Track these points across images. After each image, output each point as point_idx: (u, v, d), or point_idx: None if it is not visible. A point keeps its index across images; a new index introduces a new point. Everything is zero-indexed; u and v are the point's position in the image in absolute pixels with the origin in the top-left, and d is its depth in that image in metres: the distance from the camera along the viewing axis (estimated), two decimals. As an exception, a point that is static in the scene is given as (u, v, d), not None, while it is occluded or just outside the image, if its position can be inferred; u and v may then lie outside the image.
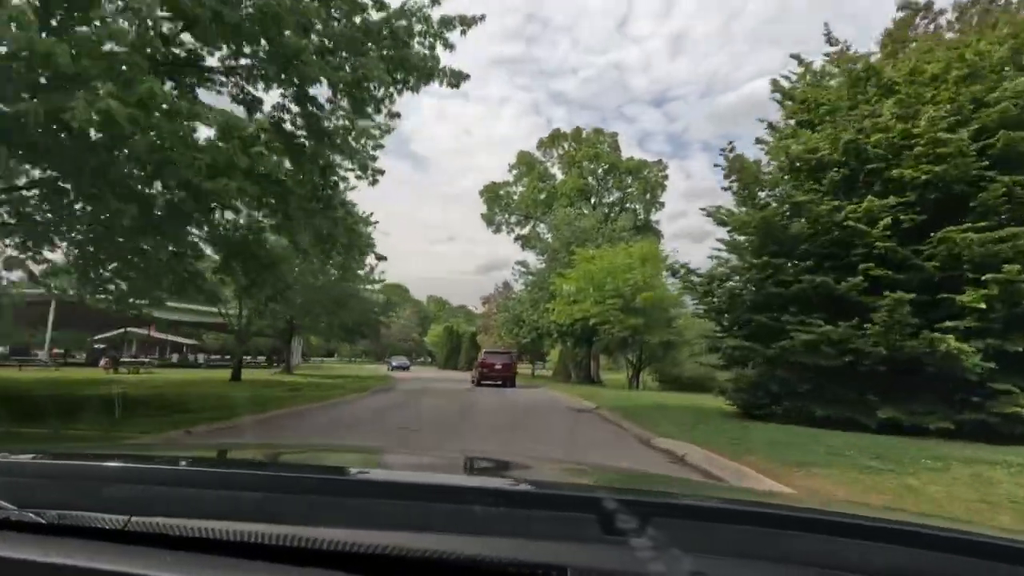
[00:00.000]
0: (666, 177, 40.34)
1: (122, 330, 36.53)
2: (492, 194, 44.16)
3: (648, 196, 38.88)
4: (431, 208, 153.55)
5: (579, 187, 38.70)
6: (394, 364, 44.18)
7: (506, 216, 44.49)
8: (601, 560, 0.68)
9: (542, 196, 41.59)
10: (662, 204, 39.86)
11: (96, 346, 35.23)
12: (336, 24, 7.99)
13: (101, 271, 10.95)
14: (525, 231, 43.42)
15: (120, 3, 6.19)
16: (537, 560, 0.66)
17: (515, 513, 0.79)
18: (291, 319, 29.06)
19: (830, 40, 12.80)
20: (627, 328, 25.68)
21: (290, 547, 0.68)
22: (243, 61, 8.23)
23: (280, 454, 1.63)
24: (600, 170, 40.40)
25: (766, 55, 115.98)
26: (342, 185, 10.63)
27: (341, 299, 26.82)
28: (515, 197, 43.91)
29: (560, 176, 41.58)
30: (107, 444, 2.41)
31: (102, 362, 26.30)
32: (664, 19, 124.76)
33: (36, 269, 11.50)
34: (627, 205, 38.36)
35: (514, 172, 43.23)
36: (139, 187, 7.93)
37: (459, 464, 1.58)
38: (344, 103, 8.73)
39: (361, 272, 31.14)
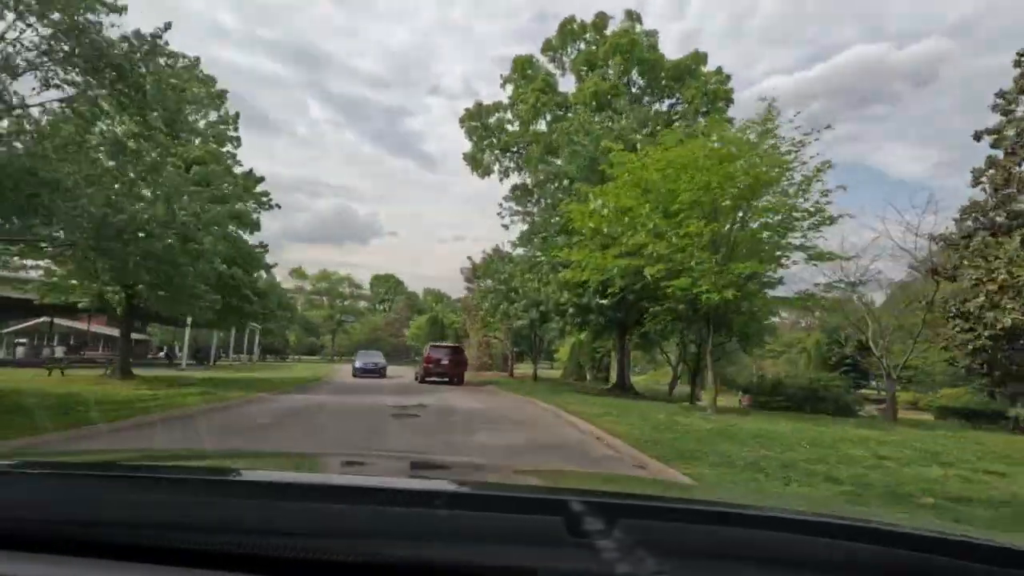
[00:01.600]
0: (730, 90, 27.22)
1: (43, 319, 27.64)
2: (476, 121, 31.05)
3: (706, 111, 25.64)
4: (439, 207, 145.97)
5: (605, 90, 25.37)
6: (360, 365, 27.79)
7: (496, 154, 31.32)
8: (569, 561, 0.68)
9: (546, 119, 28.37)
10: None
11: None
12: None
13: None
14: (524, 179, 30.27)
15: None
16: (507, 563, 0.67)
17: (484, 517, 0.78)
18: (131, 285, 16.50)
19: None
20: (726, 283, 12.72)
21: (253, 555, 0.67)
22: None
23: (239, 460, 1.59)
24: (634, 71, 27.15)
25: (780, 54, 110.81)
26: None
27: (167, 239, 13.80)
28: (509, 127, 30.80)
29: (576, 88, 28.34)
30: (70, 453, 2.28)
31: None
32: (675, 19, 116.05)
33: None
34: (676, 120, 25.08)
35: (509, 88, 30.02)
36: None
37: (426, 468, 1.56)
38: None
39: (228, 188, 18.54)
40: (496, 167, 31.69)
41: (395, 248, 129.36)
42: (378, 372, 26.95)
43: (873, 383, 39.74)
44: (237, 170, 20.68)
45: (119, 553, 0.71)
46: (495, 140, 30.99)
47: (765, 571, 0.69)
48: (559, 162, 23.70)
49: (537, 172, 24.80)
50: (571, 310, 18.61)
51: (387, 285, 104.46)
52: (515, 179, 31.45)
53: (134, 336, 49.89)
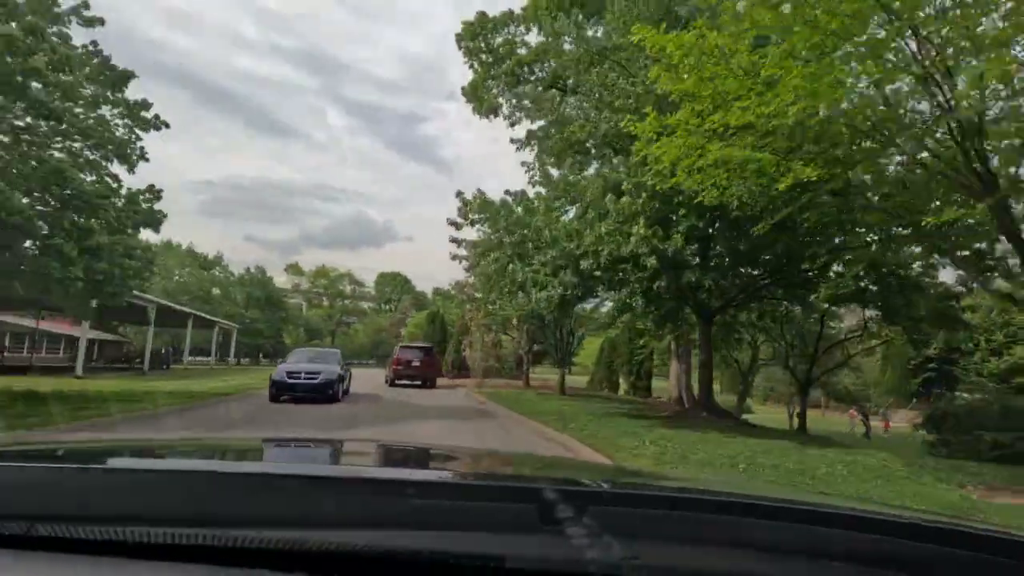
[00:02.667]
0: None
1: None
2: (479, 39, 22.84)
3: None
4: (454, 211, 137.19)
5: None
6: (281, 377, 14.05)
7: (503, 86, 22.97)
8: (538, 548, 0.68)
9: (571, 34, 19.81)
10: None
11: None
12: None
13: None
14: (539, 122, 21.87)
15: None
16: (474, 551, 0.67)
17: (451, 504, 0.78)
18: None
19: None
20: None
21: (220, 547, 0.66)
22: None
23: (192, 447, 1.59)
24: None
25: None
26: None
27: None
28: (520, 47, 22.50)
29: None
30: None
31: None
32: None
33: None
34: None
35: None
36: None
37: (392, 455, 1.56)
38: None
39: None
40: (504, 105, 23.33)
41: (409, 253, 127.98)
42: (323, 390, 13.80)
43: None
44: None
45: (96, 548, 0.68)
46: (502, 62, 22.58)
47: (733, 554, 0.70)
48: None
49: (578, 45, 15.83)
50: (636, 271, 9.90)
51: (393, 284, 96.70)
52: (528, 126, 23.04)
53: (101, 337, 42.51)
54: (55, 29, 11.52)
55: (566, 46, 18.01)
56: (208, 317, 40.89)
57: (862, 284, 11.44)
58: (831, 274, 11.57)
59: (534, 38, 22.24)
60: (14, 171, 10.69)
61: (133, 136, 13.53)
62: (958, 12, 6.24)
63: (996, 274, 10.09)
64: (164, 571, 0.66)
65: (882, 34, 6.52)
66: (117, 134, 13.08)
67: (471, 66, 23.39)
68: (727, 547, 0.71)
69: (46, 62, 10.35)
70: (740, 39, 7.02)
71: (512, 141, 22.51)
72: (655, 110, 8.03)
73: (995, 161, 7.05)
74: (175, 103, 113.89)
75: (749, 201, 8.18)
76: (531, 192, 17.31)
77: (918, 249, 10.69)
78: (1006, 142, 6.87)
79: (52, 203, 11.35)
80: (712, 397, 17.89)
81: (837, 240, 9.72)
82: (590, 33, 16.93)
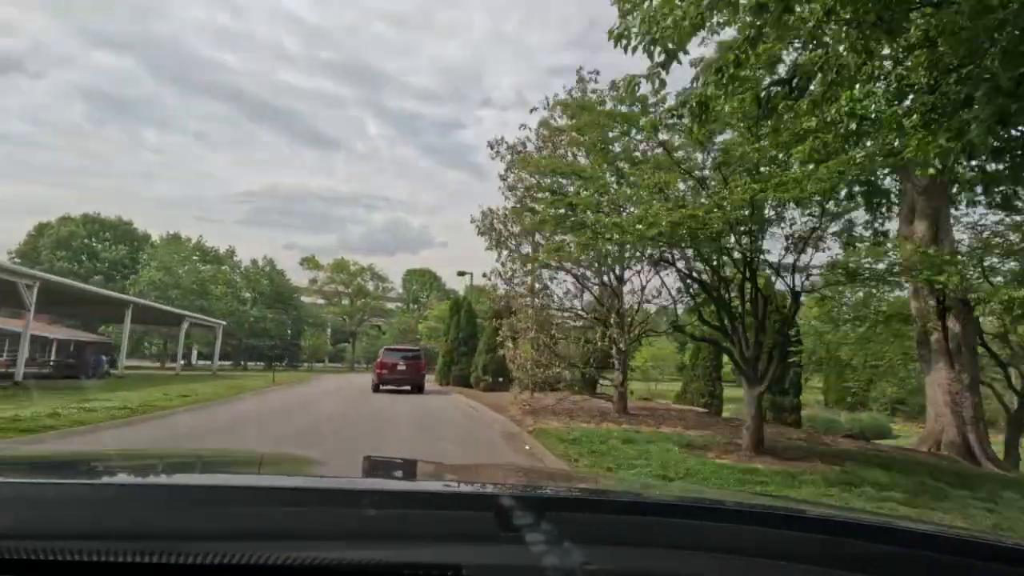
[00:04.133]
0: None
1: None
2: None
3: None
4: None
5: None
6: None
7: None
8: (496, 557, 0.68)
9: None
10: None
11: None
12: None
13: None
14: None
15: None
16: (432, 561, 0.66)
17: (408, 515, 0.77)
18: None
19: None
20: None
21: (164, 564, 0.64)
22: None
23: (147, 461, 1.50)
24: None
25: None
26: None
27: None
28: None
29: None
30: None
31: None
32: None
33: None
34: None
35: None
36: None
37: (348, 466, 1.57)
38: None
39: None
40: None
41: (444, 258, 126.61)
42: None
43: None
44: None
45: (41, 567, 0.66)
46: None
47: (690, 556, 0.70)
48: None
49: None
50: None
51: (421, 281, 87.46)
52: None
53: (78, 337, 34.17)
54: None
55: None
56: (174, 311, 31.81)
57: None
58: None
59: None
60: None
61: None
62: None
63: None
64: None
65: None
66: None
67: None
68: (683, 550, 0.70)
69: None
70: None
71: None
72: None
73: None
74: (225, 118, 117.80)
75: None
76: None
77: None
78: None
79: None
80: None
81: None
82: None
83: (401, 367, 20.54)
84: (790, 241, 8.25)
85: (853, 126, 4.66)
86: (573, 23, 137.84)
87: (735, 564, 0.69)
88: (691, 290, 10.30)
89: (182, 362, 37.72)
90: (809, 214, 8.05)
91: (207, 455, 1.85)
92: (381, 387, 20.55)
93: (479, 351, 23.86)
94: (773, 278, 9.10)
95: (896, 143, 5.17)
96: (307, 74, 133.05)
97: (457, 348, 25.89)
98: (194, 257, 58.77)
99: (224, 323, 38.61)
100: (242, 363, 58.63)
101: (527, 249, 14.78)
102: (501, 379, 22.21)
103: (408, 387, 20.44)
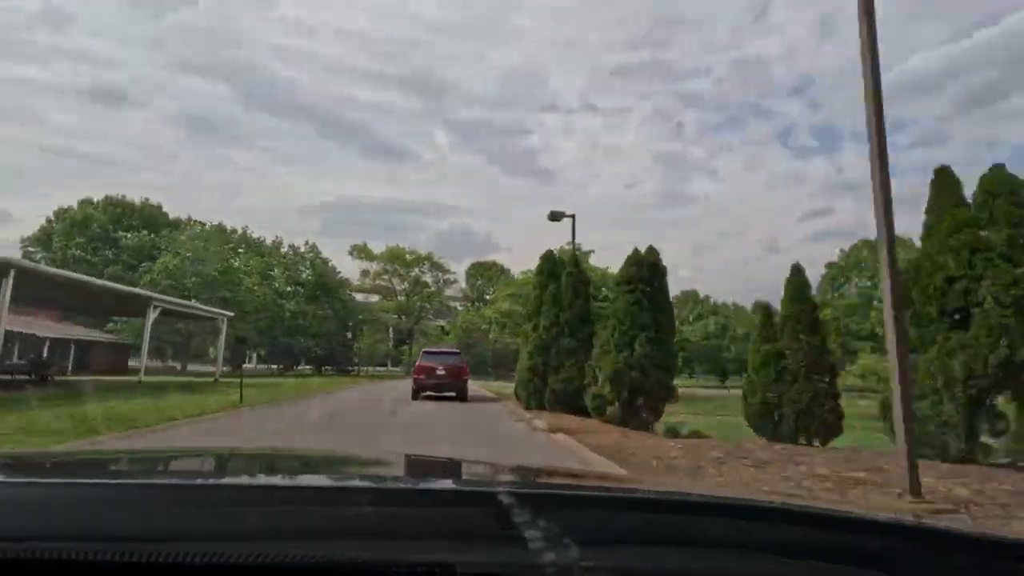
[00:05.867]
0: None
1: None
2: None
3: None
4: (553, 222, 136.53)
5: None
6: None
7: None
8: (491, 555, 0.67)
9: None
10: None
11: None
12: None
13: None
14: None
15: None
16: (425, 560, 0.65)
17: (401, 512, 0.77)
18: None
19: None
20: None
21: (163, 563, 0.63)
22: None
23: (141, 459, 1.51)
24: None
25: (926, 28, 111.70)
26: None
27: None
28: None
29: None
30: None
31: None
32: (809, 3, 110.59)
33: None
34: None
35: None
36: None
37: (341, 463, 1.50)
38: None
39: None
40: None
41: (508, 262, 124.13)
42: None
43: None
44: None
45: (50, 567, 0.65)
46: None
47: (691, 553, 0.69)
48: None
49: None
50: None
51: (487, 275, 76.94)
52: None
53: (79, 336, 26.56)
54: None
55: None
56: (140, 292, 22.52)
57: None
58: None
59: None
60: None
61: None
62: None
63: None
64: None
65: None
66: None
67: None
68: (685, 546, 0.70)
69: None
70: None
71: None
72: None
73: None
74: (300, 135, 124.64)
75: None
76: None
77: None
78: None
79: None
80: None
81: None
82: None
83: (440, 371, 18.39)
84: None
85: None
86: (636, 22, 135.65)
87: (737, 559, 0.68)
88: None
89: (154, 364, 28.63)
90: None
91: (208, 453, 1.71)
92: (420, 394, 18.28)
93: (606, 346, 12.52)
94: None
95: None
96: (374, 88, 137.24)
97: (555, 342, 14.63)
98: (240, 249, 51.12)
99: (230, 315, 29.19)
100: (276, 367, 49.76)
101: None
102: (644, 402, 10.92)
103: (451, 393, 18.40)
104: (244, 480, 1.07)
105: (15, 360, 30.17)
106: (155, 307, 22.78)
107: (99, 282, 20.66)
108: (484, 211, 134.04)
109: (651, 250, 12.78)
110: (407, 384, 20.97)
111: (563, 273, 15.10)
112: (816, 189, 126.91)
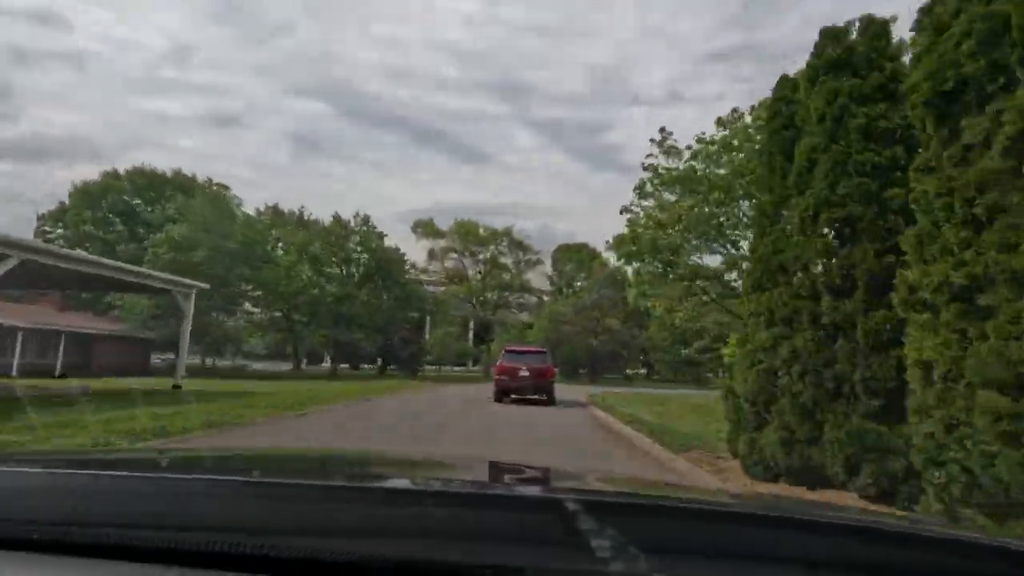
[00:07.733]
0: None
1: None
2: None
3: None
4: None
5: None
6: None
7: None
8: (560, 560, 0.67)
9: None
10: None
11: None
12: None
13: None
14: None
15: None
16: (495, 562, 0.66)
17: (472, 515, 0.78)
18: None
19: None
20: None
21: (241, 555, 0.66)
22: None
23: (221, 457, 1.58)
24: None
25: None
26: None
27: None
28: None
29: None
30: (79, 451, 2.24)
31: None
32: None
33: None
34: None
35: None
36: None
37: (414, 467, 1.52)
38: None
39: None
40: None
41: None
42: None
43: None
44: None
45: (97, 551, 0.69)
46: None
47: (763, 569, 0.68)
48: None
49: None
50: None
51: (578, 259, 64.54)
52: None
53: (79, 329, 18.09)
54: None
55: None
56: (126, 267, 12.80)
57: None
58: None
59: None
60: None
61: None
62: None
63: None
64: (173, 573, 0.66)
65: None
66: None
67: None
68: (754, 561, 0.69)
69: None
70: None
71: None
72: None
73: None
74: (396, 145, 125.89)
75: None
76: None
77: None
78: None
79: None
80: None
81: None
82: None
83: (524, 372, 16.79)
84: None
85: None
86: (726, 4, 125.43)
87: None
88: None
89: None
90: None
91: (273, 455, 1.75)
92: (503, 398, 16.83)
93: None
94: None
95: None
96: (462, 96, 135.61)
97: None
98: (299, 231, 42.97)
99: (204, 286, 19.46)
100: (334, 366, 40.63)
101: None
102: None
103: (537, 395, 16.78)
104: (337, 482, 1.09)
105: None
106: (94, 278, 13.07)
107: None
108: (567, 209, 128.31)
109: None
110: (474, 389, 16.80)
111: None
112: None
